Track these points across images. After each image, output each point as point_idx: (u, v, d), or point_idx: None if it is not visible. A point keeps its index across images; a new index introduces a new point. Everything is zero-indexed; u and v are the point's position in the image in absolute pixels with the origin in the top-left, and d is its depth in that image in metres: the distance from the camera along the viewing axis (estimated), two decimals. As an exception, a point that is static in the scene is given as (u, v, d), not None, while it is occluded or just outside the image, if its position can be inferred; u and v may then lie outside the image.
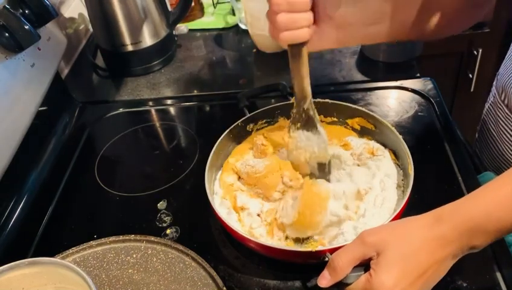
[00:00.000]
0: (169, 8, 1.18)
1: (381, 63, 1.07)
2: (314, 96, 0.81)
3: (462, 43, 1.54)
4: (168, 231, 0.76)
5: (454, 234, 0.52)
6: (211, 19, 1.32)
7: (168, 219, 0.78)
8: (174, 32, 1.21)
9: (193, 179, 0.85)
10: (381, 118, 0.80)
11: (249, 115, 0.84)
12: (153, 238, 0.71)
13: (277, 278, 0.68)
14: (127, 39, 1.09)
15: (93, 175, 0.89)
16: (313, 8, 0.63)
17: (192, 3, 1.19)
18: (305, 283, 0.67)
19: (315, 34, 0.65)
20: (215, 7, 1.36)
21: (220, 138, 0.80)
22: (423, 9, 0.66)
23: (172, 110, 1.06)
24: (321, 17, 0.64)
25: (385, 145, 0.80)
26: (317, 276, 0.57)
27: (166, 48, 1.16)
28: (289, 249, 0.66)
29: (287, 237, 0.69)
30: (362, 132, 0.83)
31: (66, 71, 1.16)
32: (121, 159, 0.95)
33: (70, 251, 0.70)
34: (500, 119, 0.88)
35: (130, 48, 1.11)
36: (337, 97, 0.87)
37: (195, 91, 1.09)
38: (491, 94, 0.95)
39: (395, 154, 0.78)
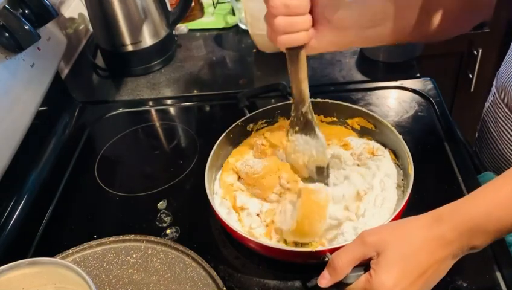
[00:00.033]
0: (169, 8, 1.18)
1: (381, 63, 1.07)
2: (314, 96, 0.81)
3: (462, 43, 1.54)
4: (168, 231, 0.76)
5: (454, 234, 0.52)
6: (211, 19, 1.32)
7: (168, 219, 0.78)
8: (174, 32, 1.21)
9: (193, 179, 0.85)
10: (381, 118, 0.80)
11: (249, 115, 0.84)
12: (153, 238, 0.71)
13: (277, 278, 0.68)
14: (127, 39, 1.09)
15: (93, 175, 0.89)
16: (312, 11, 0.62)
17: (192, 3, 1.19)
18: (305, 283, 0.67)
19: (314, 37, 0.64)
20: (215, 7, 1.36)
21: (220, 138, 0.80)
22: (423, 12, 0.66)
23: (172, 110, 1.06)
24: (319, 20, 0.64)
25: (385, 145, 0.80)
26: (317, 276, 0.57)
27: (166, 48, 1.16)
28: (289, 249, 0.66)
29: (285, 240, 0.69)
30: (362, 132, 0.83)
31: (66, 71, 1.16)
32: (121, 159, 0.95)
33: (70, 251, 0.70)
34: (500, 118, 0.88)
35: (130, 48, 1.11)
36: (337, 97, 0.87)
37: (195, 91, 1.09)
38: (491, 94, 0.95)
39: (395, 154, 0.78)
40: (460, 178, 0.78)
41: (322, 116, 0.85)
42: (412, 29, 0.68)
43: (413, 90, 0.97)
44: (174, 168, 0.88)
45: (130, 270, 0.69)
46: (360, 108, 0.82)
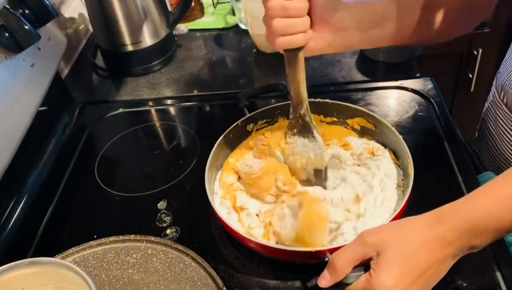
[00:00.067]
0: (169, 8, 1.18)
1: (381, 63, 1.07)
2: (314, 96, 0.81)
3: (462, 43, 1.54)
4: (168, 231, 0.76)
5: (454, 234, 0.52)
6: (211, 19, 1.32)
7: (168, 219, 0.78)
8: (174, 32, 1.21)
9: (193, 179, 0.85)
10: (381, 118, 0.80)
11: (249, 115, 0.84)
12: (153, 238, 0.71)
13: (277, 278, 0.68)
14: (127, 39, 1.09)
15: (93, 175, 0.89)
16: (310, 13, 0.62)
17: (192, 3, 1.19)
18: (305, 283, 0.67)
19: (312, 39, 0.64)
20: (215, 7, 1.36)
21: (220, 138, 0.80)
22: (422, 13, 0.66)
23: (172, 110, 1.06)
24: (318, 22, 0.63)
25: (385, 145, 0.80)
26: (317, 276, 0.57)
27: (166, 48, 1.16)
28: (289, 249, 0.66)
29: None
30: (362, 132, 0.83)
31: (66, 71, 1.16)
32: (121, 159, 0.95)
33: (70, 251, 0.70)
34: (500, 118, 0.88)
35: (130, 48, 1.11)
36: (337, 97, 0.87)
37: (195, 91, 1.09)
38: (490, 93, 0.95)
39: (395, 154, 0.78)
40: (460, 178, 0.78)
41: (322, 116, 0.85)
42: (411, 31, 0.67)
43: (413, 90, 0.97)
44: (174, 168, 0.88)
45: (130, 270, 0.69)
46: (360, 108, 0.82)
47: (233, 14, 1.30)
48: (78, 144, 0.97)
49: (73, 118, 1.03)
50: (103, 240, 0.71)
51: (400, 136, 0.75)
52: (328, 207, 0.68)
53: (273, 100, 0.97)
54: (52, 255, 0.69)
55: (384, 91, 0.99)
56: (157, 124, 1.03)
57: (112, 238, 0.71)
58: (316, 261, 0.61)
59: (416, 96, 0.96)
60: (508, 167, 0.55)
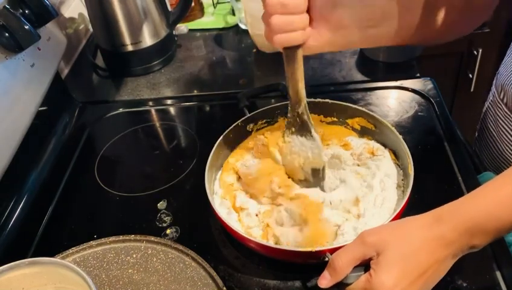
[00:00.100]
0: (169, 8, 1.18)
1: (381, 63, 1.07)
2: (314, 96, 0.81)
3: (462, 43, 1.54)
4: (168, 231, 0.76)
5: (454, 234, 0.52)
6: (211, 19, 1.32)
7: (168, 219, 0.78)
8: (174, 32, 1.21)
9: (193, 179, 0.85)
10: (381, 118, 0.80)
11: (249, 115, 0.84)
12: (153, 238, 0.71)
13: (277, 278, 0.68)
14: (127, 39, 1.09)
15: (93, 175, 0.89)
16: (309, 10, 0.61)
17: (192, 3, 1.19)
18: (305, 283, 0.67)
19: (311, 37, 0.63)
20: (215, 7, 1.36)
21: (220, 138, 0.80)
22: (423, 13, 0.66)
23: (172, 110, 1.06)
24: (317, 19, 0.63)
25: (385, 145, 0.80)
26: (317, 276, 0.57)
27: (166, 48, 1.16)
28: (289, 249, 0.66)
29: None
30: (362, 132, 0.83)
31: (66, 71, 1.16)
32: (121, 159, 0.95)
33: (70, 251, 0.70)
34: (500, 118, 0.88)
35: (130, 48, 1.11)
36: (337, 97, 0.87)
37: (195, 91, 1.09)
38: (490, 93, 0.95)
39: (395, 154, 0.78)
40: (460, 178, 0.78)
41: (322, 116, 0.85)
42: (412, 31, 0.67)
43: (413, 90, 0.97)
44: (174, 168, 0.88)
45: (130, 270, 0.69)
46: (360, 108, 0.82)
47: (233, 14, 1.30)
48: (78, 144, 0.97)
49: (73, 118, 1.03)
50: (103, 240, 0.71)
51: (400, 136, 0.75)
52: (327, 210, 0.69)
53: (273, 100, 0.97)
54: (52, 255, 0.69)
55: (384, 91, 0.99)
56: (157, 124, 1.03)
57: (111, 238, 0.71)
58: (316, 261, 0.61)
59: (416, 96, 0.96)
60: (508, 167, 0.55)
